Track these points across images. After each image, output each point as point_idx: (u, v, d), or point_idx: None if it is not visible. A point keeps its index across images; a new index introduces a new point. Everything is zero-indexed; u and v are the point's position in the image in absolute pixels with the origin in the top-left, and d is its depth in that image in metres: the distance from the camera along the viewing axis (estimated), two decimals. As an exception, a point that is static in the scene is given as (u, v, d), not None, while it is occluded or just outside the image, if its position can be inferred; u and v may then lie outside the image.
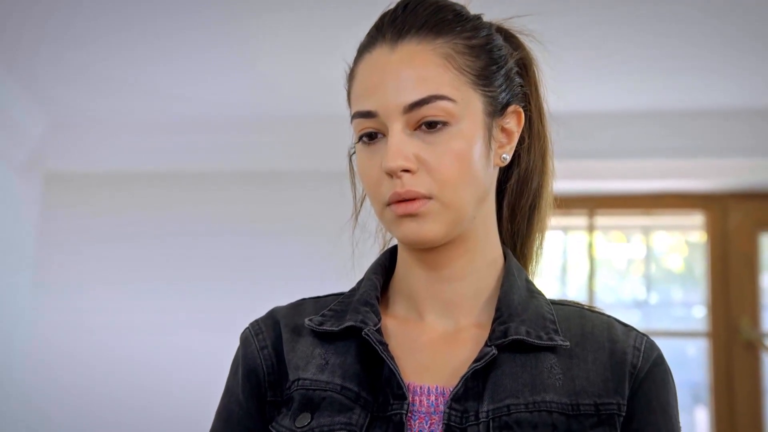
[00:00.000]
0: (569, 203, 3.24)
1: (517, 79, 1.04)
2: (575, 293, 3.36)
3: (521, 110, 1.03)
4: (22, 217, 3.34)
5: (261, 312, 1.09)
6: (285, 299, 1.11)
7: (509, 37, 1.07)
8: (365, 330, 0.97)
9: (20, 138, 3.25)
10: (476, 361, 0.93)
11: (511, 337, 0.95)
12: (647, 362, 0.97)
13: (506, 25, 1.08)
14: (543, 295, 1.04)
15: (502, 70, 1.00)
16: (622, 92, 2.99)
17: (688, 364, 3.40)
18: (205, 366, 2.46)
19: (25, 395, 3.20)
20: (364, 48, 1.01)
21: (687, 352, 3.42)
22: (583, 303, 1.06)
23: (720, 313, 3.22)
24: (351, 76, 1.02)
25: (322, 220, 2.11)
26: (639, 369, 0.96)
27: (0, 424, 3.10)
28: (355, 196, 1.11)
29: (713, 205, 3.30)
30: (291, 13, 2.47)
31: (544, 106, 1.09)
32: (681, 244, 3.58)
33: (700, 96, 3.00)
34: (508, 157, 1.02)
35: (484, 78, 0.98)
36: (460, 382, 0.93)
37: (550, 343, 0.96)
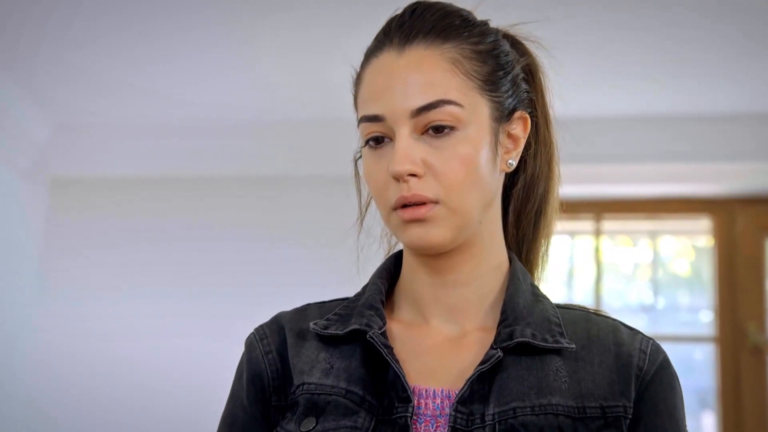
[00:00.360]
0: (576, 207, 3.26)
1: (524, 85, 1.04)
2: (582, 297, 3.36)
3: (527, 116, 1.03)
4: (27, 221, 3.35)
5: (265, 317, 1.09)
6: (289, 304, 1.11)
7: (515, 43, 1.07)
8: (370, 333, 0.97)
9: (25, 143, 3.26)
10: (482, 363, 0.93)
11: (516, 340, 0.95)
12: (653, 365, 0.97)
13: (512, 32, 1.08)
14: (548, 299, 1.04)
15: (509, 75, 1.01)
16: (629, 97, 2.99)
17: (695, 369, 3.39)
18: (208, 370, 2.46)
19: (27, 397, 3.20)
20: (372, 52, 1.01)
21: (694, 357, 3.41)
22: (589, 307, 1.06)
23: (727, 318, 3.21)
24: (358, 81, 1.02)
25: (327, 225, 2.12)
26: (645, 372, 0.96)
27: (2, 426, 3.11)
28: (360, 201, 1.11)
29: (720, 210, 3.29)
30: (292, 14, 2.47)
31: (550, 112, 1.09)
32: (688, 248, 3.57)
33: (707, 100, 3.00)
34: (514, 163, 1.03)
35: (491, 83, 0.98)
36: (465, 384, 0.93)
37: (555, 345, 0.96)
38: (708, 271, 3.35)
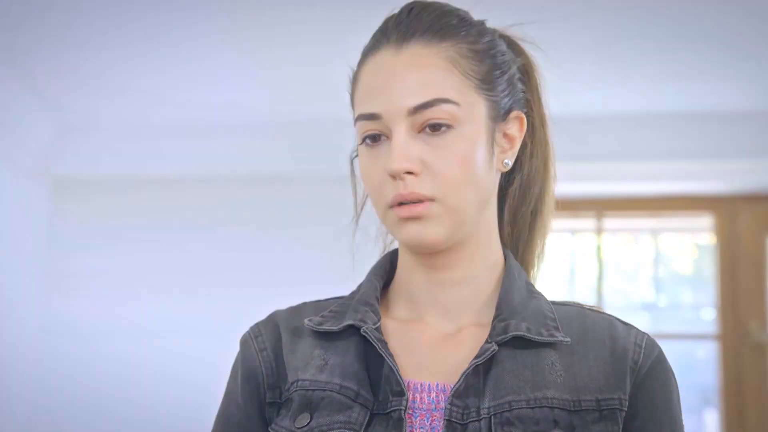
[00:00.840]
0: (578, 205, 3.27)
1: (520, 85, 1.04)
2: (584, 295, 3.36)
3: (523, 116, 1.03)
4: (30, 221, 3.35)
5: (263, 316, 1.09)
6: (286, 303, 1.11)
7: (511, 43, 1.07)
8: (364, 328, 0.97)
9: (28, 143, 3.27)
10: (477, 357, 0.94)
11: (511, 334, 0.95)
12: (648, 359, 0.97)
13: (508, 32, 1.08)
14: (543, 296, 1.04)
15: (505, 75, 1.01)
16: (631, 95, 2.99)
17: (698, 367, 3.39)
18: (208, 370, 2.46)
19: (31, 396, 3.21)
20: (369, 51, 1.01)
21: (696, 355, 3.41)
22: (584, 303, 1.07)
23: (729, 316, 3.21)
24: (355, 79, 1.03)
25: (324, 223, 2.11)
26: (640, 365, 0.97)
27: (2, 426, 3.12)
28: (355, 200, 1.11)
29: (722, 208, 3.29)
30: (293, 15, 2.47)
31: (546, 112, 1.09)
32: (690, 246, 3.57)
33: (709, 98, 2.99)
34: (510, 163, 1.03)
35: (487, 82, 0.99)
36: (461, 378, 0.93)
37: (550, 339, 0.96)
38: (710, 269, 3.35)
